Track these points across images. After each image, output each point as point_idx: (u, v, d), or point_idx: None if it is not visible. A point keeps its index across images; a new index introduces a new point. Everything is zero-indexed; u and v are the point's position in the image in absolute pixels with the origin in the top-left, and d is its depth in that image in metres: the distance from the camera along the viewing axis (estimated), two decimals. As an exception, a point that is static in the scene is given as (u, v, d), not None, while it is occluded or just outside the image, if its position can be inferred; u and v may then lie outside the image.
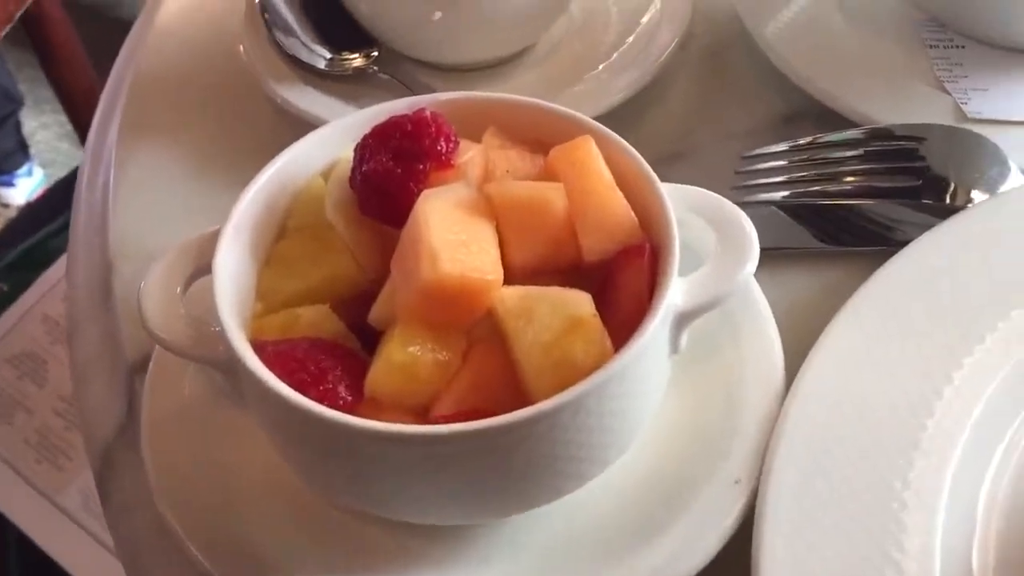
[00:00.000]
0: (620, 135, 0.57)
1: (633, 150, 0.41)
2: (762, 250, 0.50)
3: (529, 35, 0.60)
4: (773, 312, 0.46)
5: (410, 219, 0.37)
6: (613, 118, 0.56)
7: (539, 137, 0.42)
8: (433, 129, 0.39)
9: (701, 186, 0.54)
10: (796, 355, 0.44)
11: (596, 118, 0.54)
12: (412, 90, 0.56)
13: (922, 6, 0.59)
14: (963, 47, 0.57)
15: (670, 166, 0.57)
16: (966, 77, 0.55)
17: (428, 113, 0.40)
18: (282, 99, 0.56)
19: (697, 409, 0.43)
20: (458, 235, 0.36)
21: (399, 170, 0.39)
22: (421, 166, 0.39)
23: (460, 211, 0.37)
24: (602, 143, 0.40)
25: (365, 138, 0.40)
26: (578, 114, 0.42)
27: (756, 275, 0.47)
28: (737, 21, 0.60)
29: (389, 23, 0.57)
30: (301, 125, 0.51)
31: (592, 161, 0.39)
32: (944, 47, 0.57)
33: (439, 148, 0.39)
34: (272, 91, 0.57)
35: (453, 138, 0.40)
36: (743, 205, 0.51)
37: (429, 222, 0.36)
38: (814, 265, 0.51)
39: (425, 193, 0.38)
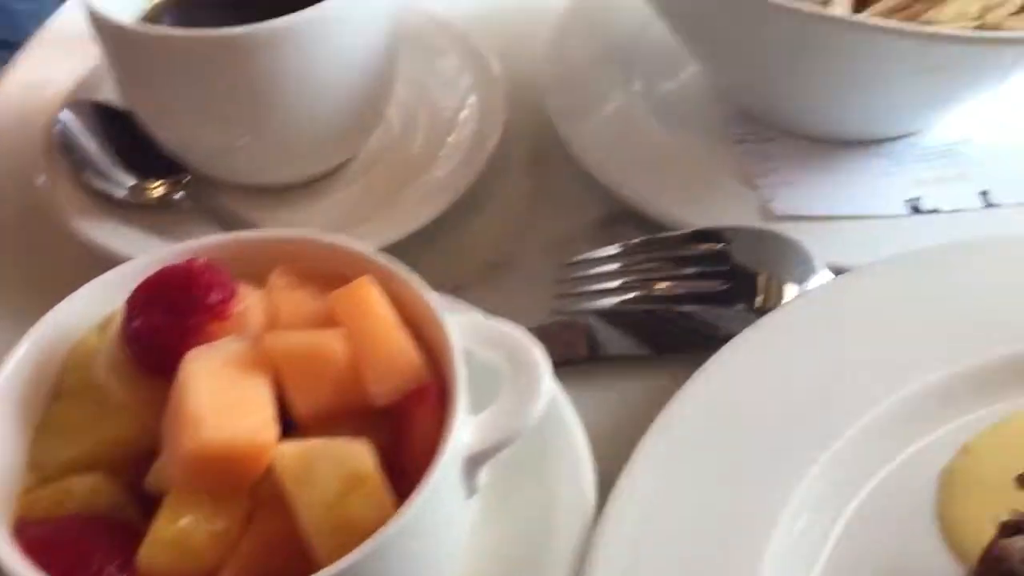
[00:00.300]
0: (443, 246, 0.57)
1: (419, 285, 0.40)
2: (583, 360, 0.50)
3: (344, 151, 0.59)
4: (596, 425, 0.46)
5: (175, 383, 0.35)
6: (435, 229, 0.56)
7: (329, 272, 0.41)
8: (206, 279, 0.38)
9: (524, 296, 0.54)
10: (620, 470, 0.44)
11: (418, 230, 0.55)
12: (219, 218, 0.54)
13: (730, 99, 0.60)
14: (772, 140, 0.58)
15: (494, 276, 0.56)
16: (775, 172, 0.56)
17: (201, 262, 0.38)
18: (83, 234, 0.54)
19: (507, 541, 0.41)
20: (226, 396, 0.35)
21: (171, 325, 0.37)
22: (194, 320, 0.37)
23: (231, 368, 0.36)
24: (387, 279, 0.39)
25: (136, 291, 0.38)
26: (362, 248, 0.41)
27: (577, 388, 0.47)
28: (553, 125, 0.60)
29: (193, 151, 0.56)
30: (108, 261, 0.49)
31: (373, 303, 0.38)
32: (753, 142, 0.58)
33: (212, 300, 0.37)
34: (74, 226, 0.54)
35: (229, 287, 0.38)
36: (564, 314, 0.52)
37: (193, 385, 0.34)
38: (637, 372, 0.50)
39: (192, 353, 0.36)
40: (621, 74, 0.62)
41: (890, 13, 0.51)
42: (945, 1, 0.50)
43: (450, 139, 0.60)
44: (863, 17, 0.45)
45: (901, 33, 0.44)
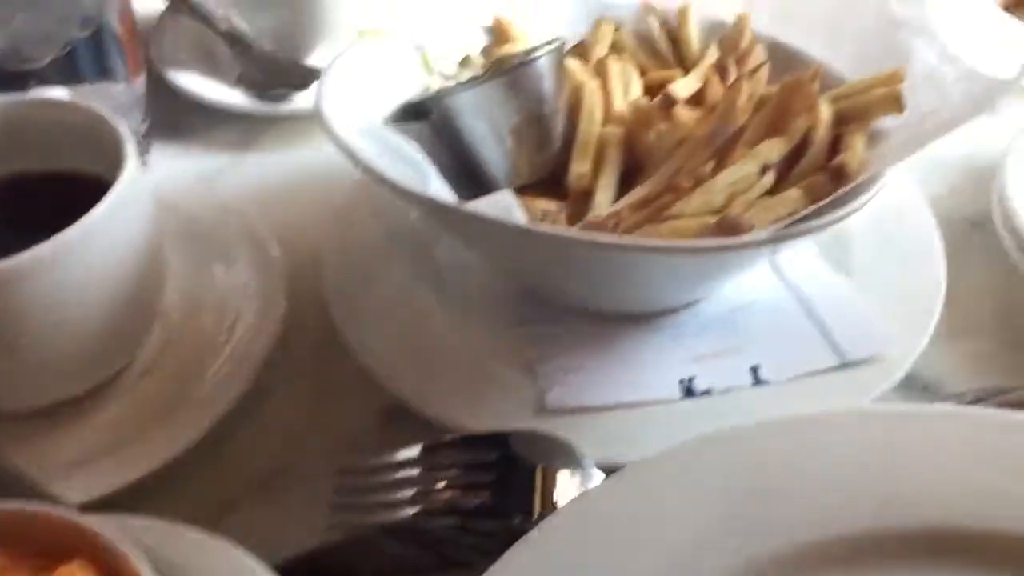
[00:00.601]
0: (217, 457, 0.54)
1: (139, 560, 0.37)
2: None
3: (111, 365, 0.56)
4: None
5: None
6: (208, 439, 0.53)
7: (50, 544, 0.38)
8: None
9: (302, 510, 0.52)
10: None
11: (194, 444, 0.53)
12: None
13: (512, 280, 0.59)
14: (553, 319, 0.57)
15: (271, 487, 0.54)
16: (555, 356, 0.55)
17: None
18: None
19: None
20: None
21: None
22: None
23: None
24: (101, 550, 0.37)
25: None
26: (76, 518, 0.38)
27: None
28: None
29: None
30: None
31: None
32: (536, 322, 0.57)
33: None
34: None
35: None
36: (343, 529, 0.50)
37: None
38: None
39: None
40: (403, 257, 0.61)
41: (641, 205, 0.52)
42: (692, 192, 0.51)
43: (226, 338, 0.58)
44: (573, 232, 0.47)
45: (609, 247, 0.45)
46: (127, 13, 0.70)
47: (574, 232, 0.47)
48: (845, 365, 0.53)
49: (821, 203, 0.48)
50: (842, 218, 0.47)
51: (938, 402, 0.53)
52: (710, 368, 0.54)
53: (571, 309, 0.58)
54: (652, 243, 0.46)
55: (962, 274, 0.60)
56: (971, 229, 0.65)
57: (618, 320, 0.57)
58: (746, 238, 0.46)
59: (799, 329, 0.55)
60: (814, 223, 0.46)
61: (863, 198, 0.48)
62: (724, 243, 0.46)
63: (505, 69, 0.58)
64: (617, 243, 0.46)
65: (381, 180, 0.48)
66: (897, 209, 0.61)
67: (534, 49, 0.62)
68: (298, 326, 0.59)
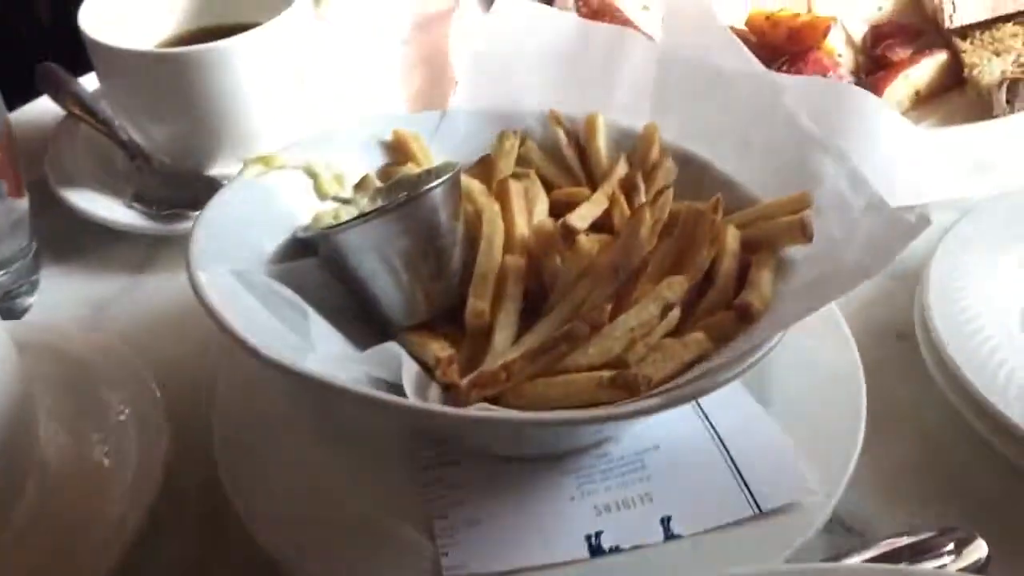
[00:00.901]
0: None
1: None
2: None
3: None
4: None
5: None
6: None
7: None
8: None
9: None
10: None
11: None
12: None
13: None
14: (458, 462, 0.54)
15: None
16: (456, 506, 0.52)
17: None
18: None
19: None
20: None
21: None
22: None
23: None
24: None
25: None
26: None
27: None
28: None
29: None
30: None
31: None
32: (439, 466, 0.54)
33: None
34: None
35: None
36: None
37: None
38: None
39: None
40: (298, 398, 0.57)
41: (539, 352, 0.49)
42: (590, 338, 0.48)
43: (105, 495, 0.54)
44: (448, 410, 0.44)
45: (488, 422, 0.42)
46: (6, 140, 0.66)
47: (448, 410, 0.44)
48: (762, 515, 0.49)
49: (723, 353, 0.45)
50: (740, 374, 0.44)
51: (864, 548, 0.50)
52: (618, 521, 0.50)
53: (472, 451, 0.54)
54: (532, 417, 0.43)
55: (885, 389, 0.57)
56: (895, 340, 0.63)
57: (521, 461, 0.54)
58: (635, 406, 0.42)
59: (713, 473, 0.51)
60: (709, 382, 0.43)
61: (766, 347, 0.45)
62: (612, 413, 0.43)
63: (395, 203, 0.54)
64: (498, 418, 0.43)
65: (244, 347, 0.44)
66: (816, 330, 0.58)
67: (431, 173, 0.59)
68: (184, 469, 0.55)
